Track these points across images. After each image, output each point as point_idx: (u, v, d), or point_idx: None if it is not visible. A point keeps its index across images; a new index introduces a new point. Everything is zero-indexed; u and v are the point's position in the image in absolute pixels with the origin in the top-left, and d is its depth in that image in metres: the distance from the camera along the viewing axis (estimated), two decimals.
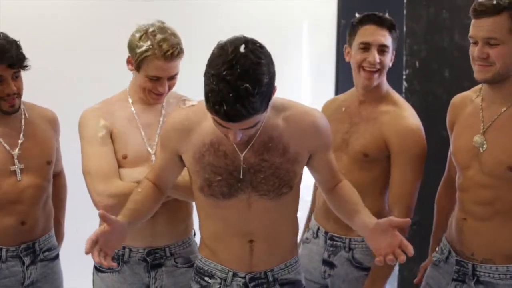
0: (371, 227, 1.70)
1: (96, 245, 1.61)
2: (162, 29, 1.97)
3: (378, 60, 2.11)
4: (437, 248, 2.11)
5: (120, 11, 3.57)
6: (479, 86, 2.01)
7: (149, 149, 2.04)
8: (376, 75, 2.13)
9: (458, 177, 2.02)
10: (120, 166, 2.01)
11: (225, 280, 1.83)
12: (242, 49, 1.48)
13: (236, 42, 1.50)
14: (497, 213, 1.88)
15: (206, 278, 1.85)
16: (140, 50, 1.95)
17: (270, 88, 1.54)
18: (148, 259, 2.07)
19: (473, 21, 1.85)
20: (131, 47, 2.00)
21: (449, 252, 2.02)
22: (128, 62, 2.03)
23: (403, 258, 1.61)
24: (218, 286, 1.83)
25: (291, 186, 1.75)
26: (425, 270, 2.19)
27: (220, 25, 3.50)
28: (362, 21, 2.14)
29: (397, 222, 1.67)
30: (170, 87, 2.04)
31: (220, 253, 1.83)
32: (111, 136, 2.02)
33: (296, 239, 1.94)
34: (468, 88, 2.07)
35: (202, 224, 1.86)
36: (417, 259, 2.98)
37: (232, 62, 1.47)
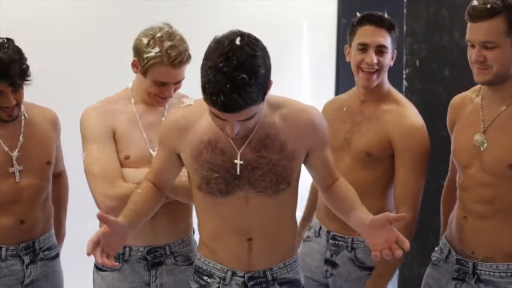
0: (368, 223, 1.71)
1: (97, 246, 1.62)
2: (171, 35, 1.96)
3: (375, 61, 2.11)
4: (436, 248, 2.12)
5: (120, 11, 3.57)
6: (479, 86, 2.01)
7: (151, 151, 2.03)
8: (374, 76, 2.14)
9: (458, 176, 2.02)
10: (121, 166, 2.00)
11: (224, 280, 1.83)
12: (238, 41, 1.51)
13: (231, 35, 1.53)
14: (498, 212, 1.88)
15: (205, 278, 1.85)
16: (148, 56, 1.94)
17: (266, 80, 1.55)
18: (148, 257, 2.07)
19: (469, 24, 1.85)
20: (138, 52, 1.98)
21: (449, 251, 2.02)
22: (134, 65, 2.02)
23: (399, 252, 1.61)
24: (217, 285, 1.83)
25: (289, 182, 1.76)
26: None
27: (220, 25, 3.48)
28: (361, 22, 2.14)
29: (394, 217, 1.67)
30: (174, 90, 2.04)
31: (219, 252, 1.83)
32: (113, 136, 2.02)
33: (295, 239, 1.94)
34: (468, 87, 2.07)
35: (200, 222, 1.86)
36: (418, 259, 2.99)
37: (228, 54, 1.49)
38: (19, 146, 2.16)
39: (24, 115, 2.21)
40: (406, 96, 3.05)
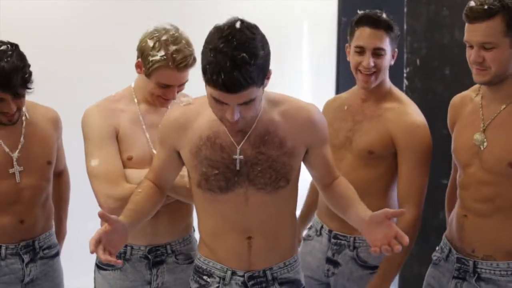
0: (367, 219, 1.70)
1: (99, 244, 1.62)
2: (177, 38, 1.95)
3: (372, 64, 2.11)
4: (437, 248, 2.12)
5: (120, 11, 3.57)
6: (478, 85, 2.01)
7: (153, 151, 2.02)
8: (372, 78, 2.13)
9: (459, 174, 2.03)
10: (124, 167, 1.99)
11: (224, 279, 1.82)
12: (238, 25, 1.55)
13: (231, 21, 1.57)
14: (498, 210, 1.88)
15: (204, 277, 1.85)
16: (153, 59, 1.93)
17: (266, 64, 1.57)
18: (149, 256, 2.07)
19: (466, 25, 1.85)
20: (143, 54, 1.97)
21: (450, 250, 2.02)
22: (138, 66, 2.01)
23: (398, 247, 1.61)
24: (217, 285, 1.83)
25: (288, 179, 1.75)
26: None
27: None
28: (358, 23, 2.14)
29: (393, 213, 1.67)
30: (178, 92, 2.04)
31: (218, 251, 1.82)
32: (116, 136, 2.01)
33: (295, 238, 1.94)
34: (469, 86, 2.07)
35: (200, 221, 1.86)
36: (418, 258, 2.99)
37: (228, 37, 1.52)
38: (19, 147, 2.16)
39: (25, 115, 2.20)
40: (407, 95, 3.04)
